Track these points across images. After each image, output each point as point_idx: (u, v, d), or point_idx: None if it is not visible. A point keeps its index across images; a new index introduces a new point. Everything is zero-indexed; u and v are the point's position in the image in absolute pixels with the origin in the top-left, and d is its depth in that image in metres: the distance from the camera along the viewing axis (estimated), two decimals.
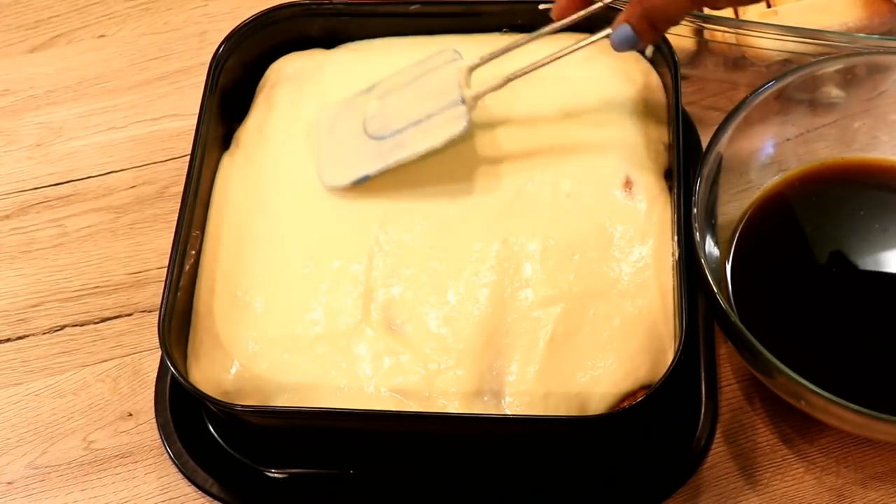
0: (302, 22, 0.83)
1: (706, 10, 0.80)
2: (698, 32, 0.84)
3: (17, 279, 0.85)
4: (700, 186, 0.71)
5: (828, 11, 0.83)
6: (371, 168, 0.75)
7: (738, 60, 0.86)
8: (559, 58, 0.73)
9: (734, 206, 0.78)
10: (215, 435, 0.76)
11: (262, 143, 0.79)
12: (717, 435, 0.75)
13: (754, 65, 0.85)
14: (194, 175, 0.75)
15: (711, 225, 0.74)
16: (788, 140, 0.80)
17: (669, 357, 0.69)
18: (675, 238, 0.71)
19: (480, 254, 0.73)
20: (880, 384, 0.71)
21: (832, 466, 0.74)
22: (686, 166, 0.73)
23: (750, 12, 0.83)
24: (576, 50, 0.72)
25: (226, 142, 0.82)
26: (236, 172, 0.79)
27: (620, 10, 0.69)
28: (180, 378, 0.68)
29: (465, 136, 0.74)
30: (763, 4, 0.84)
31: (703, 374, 0.76)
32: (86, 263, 0.85)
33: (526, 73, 0.73)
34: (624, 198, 0.74)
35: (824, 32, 0.79)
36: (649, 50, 0.81)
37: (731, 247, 0.77)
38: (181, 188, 0.75)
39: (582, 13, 0.72)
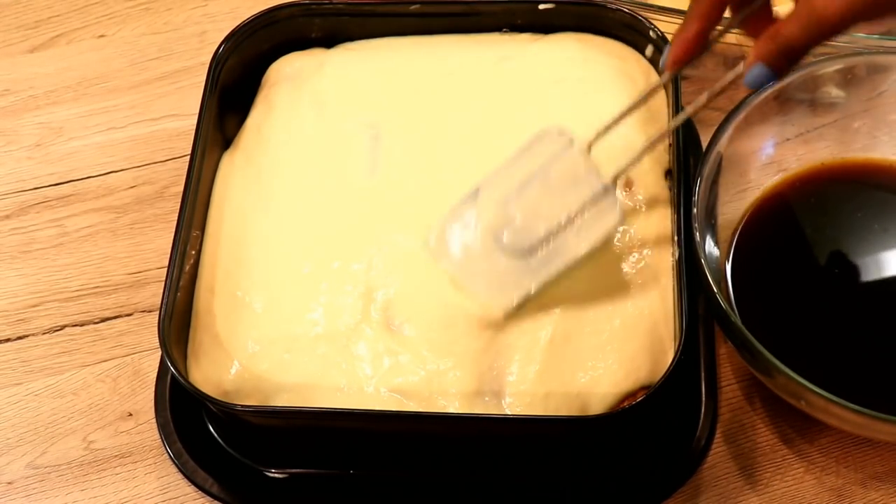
0: (302, 22, 0.83)
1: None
2: None
3: (16, 279, 0.85)
4: (700, 186, 0.71)
5: None
6: (532, 284, 0.71)
7: (738, 60, 0.85)
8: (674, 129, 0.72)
9: (734, 206, 0.78)
10: (215, 435, 0.76)
11: (262, 143, 0.79)
12: (717, 435, 0.75)
13: None
14: (194, 175, 0.75)
15: (711, 225, 0.74)
16: (788, 140, 0.79)
17: (669, 357, 0.69)
18: (675, 238, 0.71)
19: None
20: (880, 384, 0.71)
21: (832, 466, 0.74)
22: (686, 166, 0.73)
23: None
24: (707, 104, 0.69)
25: (226, 142, 0.82)
26: (236, 172, 0.79)
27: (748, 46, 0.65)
28: (180, 378, 0.68)
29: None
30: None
31: (703, 374, 0.76)
32: (86, 263, 0.85)
33: (643, 155, 0.71)
34: (624, 198, 0.74)
35: None
36: (649, 50, 0.81)
37: (731, 247, 0.77)
38: (181, 188, 0.75)
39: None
